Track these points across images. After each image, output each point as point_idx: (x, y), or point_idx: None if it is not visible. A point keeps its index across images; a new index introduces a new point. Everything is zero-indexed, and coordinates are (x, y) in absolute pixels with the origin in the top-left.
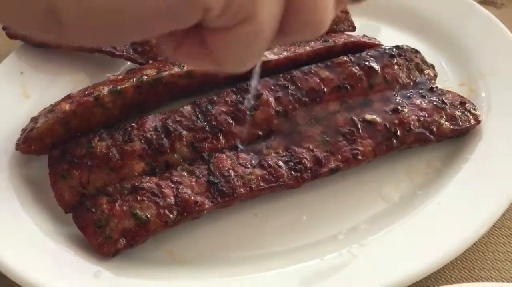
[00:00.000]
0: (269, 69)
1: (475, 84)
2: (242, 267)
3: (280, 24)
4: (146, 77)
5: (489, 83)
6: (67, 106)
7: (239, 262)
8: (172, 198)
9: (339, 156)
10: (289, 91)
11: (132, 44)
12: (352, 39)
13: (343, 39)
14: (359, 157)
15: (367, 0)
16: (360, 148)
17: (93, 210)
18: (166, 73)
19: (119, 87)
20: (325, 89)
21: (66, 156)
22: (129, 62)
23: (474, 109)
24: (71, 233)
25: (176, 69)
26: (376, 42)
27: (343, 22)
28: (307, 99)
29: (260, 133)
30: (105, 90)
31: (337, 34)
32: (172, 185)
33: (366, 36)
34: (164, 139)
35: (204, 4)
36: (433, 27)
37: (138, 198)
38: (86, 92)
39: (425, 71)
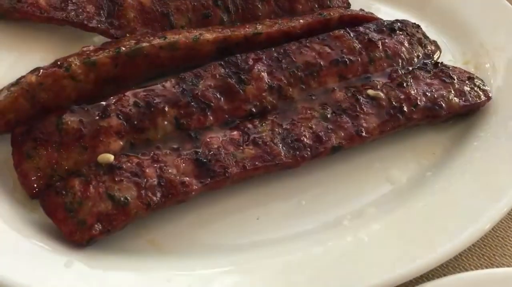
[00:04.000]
0: (261, 43)
1: (481, 60)
2: (235, 256)
3: None
4: (123, 48)
5: (495, 58)
6: (33, 78)
7: (232, 251)
8: (155, 178)
9: (341, 133)
10: (283, 65)
11: (107, 17)
12: (349, 13)
13: (338, 13)
14: (363, 133)
15: None
16: (364, 125)
17: (64, 193)
18: (146, 44)
19: (93, 58)
20: (322, 63)
21: (32, 133)
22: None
23: (484, 85)
24: (38, 220)
25: (157, 40)
26: (375, 17)
27: None
28: (302, 74)
29: (253, 109)
30: (77, 61)
31: (331, 9)
32: (155, 165)
33: (363, 10)
34: (145, 115)
35: None
36: (432, 3)
37: (116, 178)
38: (56, 64)
39: (427, 47)
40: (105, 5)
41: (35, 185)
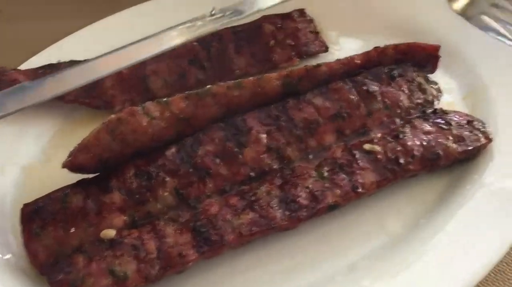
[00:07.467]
0: (321, 75)
1: (479, 97)
2: None
3: None
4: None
5: (494, 94)
6: (113, 115)
7: None
8: (154, 251)
9: (338, 190)
10: (282, 123)
11: (85, 89)
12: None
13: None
14: (360, 189)
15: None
16: (360, 180)
17: (68, 269)
18: (214, 85)
19: (166, 99)
20: (320, 120)
21: (40, 212)
22: None
23: (484, 127)
24: None
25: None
26: (429, 45)
27: (313, 42)
28: (301, 132)
29: (252, 173)
30: (152, 102)
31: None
32: (155, 236)
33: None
34: (146, 187)
35: None
36: (429, 38)
37: (117, 253)
38: None
39: (427, 92)
40: None
41: (43, 263)
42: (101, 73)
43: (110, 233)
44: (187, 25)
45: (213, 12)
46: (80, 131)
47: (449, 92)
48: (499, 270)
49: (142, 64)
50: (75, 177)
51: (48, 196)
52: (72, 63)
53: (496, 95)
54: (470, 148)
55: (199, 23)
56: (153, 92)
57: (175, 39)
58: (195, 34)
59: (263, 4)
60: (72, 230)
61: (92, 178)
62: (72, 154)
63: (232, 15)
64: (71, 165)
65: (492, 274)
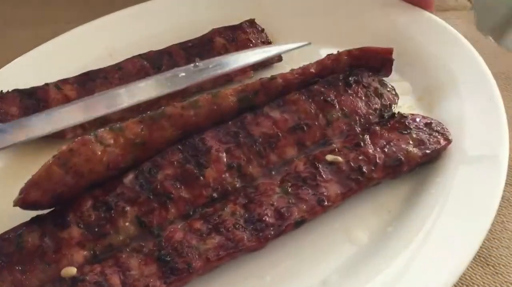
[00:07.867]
0: (277, 87)
1: (435, 96)
2: None
3: None
4: (148, 113)
5: (449, 93)
6: (64, 146)
7: None
8: (118, 286)
9: (303, 205)
10: (241, 139)
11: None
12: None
13: (346, 50)
14: (326, 203)
15: None
16: (325, 193)
17: None
18: (169, 106)
19: (119, 125)
20: (279, 133)
21: None
22: None
23: (443, 128)
24: None
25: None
26: (387, 48)
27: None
28: (261, 147)
29: (214, 194)
30: (104, 129)
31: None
32: (118, 270)
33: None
34: (105, 219)
35: None
36: (381, 42)
37: None
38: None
39: (384, 96)
40: (29, 104)
41: None
42: (79, 118)
43: (71, 271)
44: (169, 75)
45: (197, 64)
46: (31, 162)
47: (405, 94)
48: (496, 272)
49: (91, 87)
50: (29, 214)
51: (1, 237)
52: (16, 92)
53: (452, 94)
54: (430, 151)
55: (182, 74)
56: (105, 116)
57: (155, 89)
58: (177, 86)
59: (248, 59)
60: (30, 271)
61: (48, 213)
62: (23, 191)
63: (216, 68)
64: (23, 202)
65: (490, 277)
